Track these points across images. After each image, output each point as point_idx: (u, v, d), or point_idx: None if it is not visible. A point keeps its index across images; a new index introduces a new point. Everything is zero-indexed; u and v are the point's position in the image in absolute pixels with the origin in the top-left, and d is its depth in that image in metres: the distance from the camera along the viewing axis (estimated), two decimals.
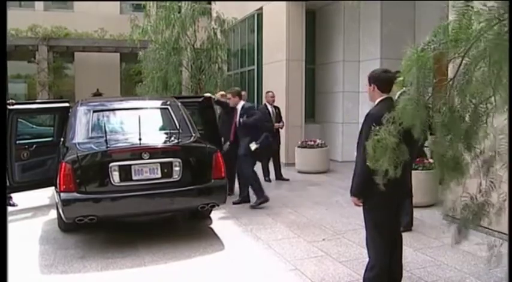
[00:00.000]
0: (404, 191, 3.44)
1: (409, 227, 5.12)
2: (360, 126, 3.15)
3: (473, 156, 2.63)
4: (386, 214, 3.27)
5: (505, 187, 2.51)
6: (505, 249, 2.74)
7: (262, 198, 6.44)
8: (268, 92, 9.05)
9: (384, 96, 3.25)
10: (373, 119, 2.90)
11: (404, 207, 4.96)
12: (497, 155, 2.55)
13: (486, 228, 4.50)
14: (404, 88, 2.49)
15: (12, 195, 6.57)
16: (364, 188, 3.09)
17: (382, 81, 3.29)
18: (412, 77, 2.38)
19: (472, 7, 2.24)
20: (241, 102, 6.75)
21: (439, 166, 2.65)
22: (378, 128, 2.65)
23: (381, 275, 3.30)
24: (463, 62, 2.32)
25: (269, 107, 8.64)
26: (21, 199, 6.67)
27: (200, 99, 6.73)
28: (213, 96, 6.89)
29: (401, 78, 2.48)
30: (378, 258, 3.31)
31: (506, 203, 2.52)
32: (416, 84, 2.38)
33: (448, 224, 3.02)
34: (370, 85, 3.32)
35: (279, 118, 8.77)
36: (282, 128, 8.77)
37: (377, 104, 3.24)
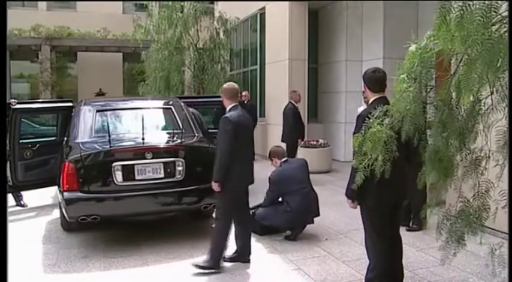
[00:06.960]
0: (400, 192, 3.37)
1: (420, 226, 5.12)
2: None
3: (463, 156, 2.59)
4: (383, 216, 3.25)
5: (502, 185, 2.48)
6: (506, 249, 2.72)
7: None
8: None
9: (377, 96, 3.24)
10: (362, 119, 2.88)
11: (413, 207, 4.96)
12: (491, 154, 2.50)
13: (490, 228, 4.50)
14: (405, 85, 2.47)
15: (23, 194, 6.61)
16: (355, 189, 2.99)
17: (370, 80, 3.29)
18: (414, 72, 2.37)
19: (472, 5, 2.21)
20: None
21: (430, 165, 2.61)
22: (371, 120, 2.64)
23: (381, 276, 3.30)
24: (464, 58, 2.30)
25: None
26: (24, 198, 6.70)
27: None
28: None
29: (403, 76, 2.45)
30: (377, 260, 3.31)
31: (505, 201, 2.48)
32: (419, 78, 2.36)
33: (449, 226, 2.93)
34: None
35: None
36: None
37: (370, 104, 3.23)
